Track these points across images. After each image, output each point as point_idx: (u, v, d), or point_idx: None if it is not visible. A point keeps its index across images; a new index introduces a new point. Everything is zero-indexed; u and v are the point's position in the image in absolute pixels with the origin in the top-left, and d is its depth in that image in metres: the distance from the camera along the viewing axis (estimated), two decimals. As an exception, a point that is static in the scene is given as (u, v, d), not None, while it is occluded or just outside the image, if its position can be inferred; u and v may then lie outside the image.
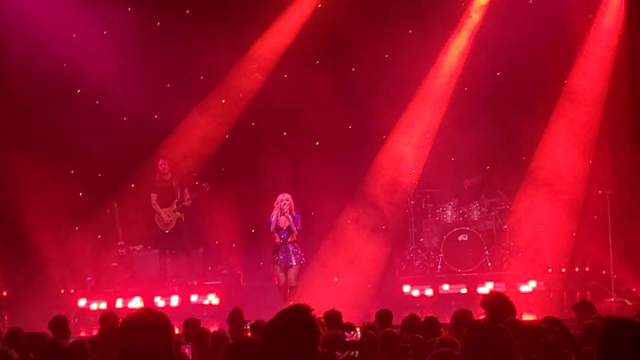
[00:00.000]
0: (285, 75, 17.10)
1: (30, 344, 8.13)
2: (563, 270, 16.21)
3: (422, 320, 8.43)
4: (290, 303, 12.94)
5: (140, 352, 3.84)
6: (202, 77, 17.15)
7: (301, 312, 4.10)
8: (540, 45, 16.53)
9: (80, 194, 16.88)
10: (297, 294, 13.49)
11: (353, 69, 17.32)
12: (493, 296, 6.94)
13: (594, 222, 15.71)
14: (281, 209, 13.56)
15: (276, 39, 17.16)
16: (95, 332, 10.63)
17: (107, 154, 17.04)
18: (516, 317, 7.28)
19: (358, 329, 7.65)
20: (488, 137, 16.11)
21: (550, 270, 15.70)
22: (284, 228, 13.59)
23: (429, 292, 15.18)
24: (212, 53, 16.34)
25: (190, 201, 15.82)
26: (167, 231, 15.81)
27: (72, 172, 17.09)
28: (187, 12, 17.05)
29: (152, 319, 3.93)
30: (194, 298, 15.32)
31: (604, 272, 15.54)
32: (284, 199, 13.62)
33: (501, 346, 4.40)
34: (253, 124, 17.41)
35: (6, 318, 15.39)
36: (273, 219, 13.59)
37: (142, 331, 3.87)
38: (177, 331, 7.47)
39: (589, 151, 16.42)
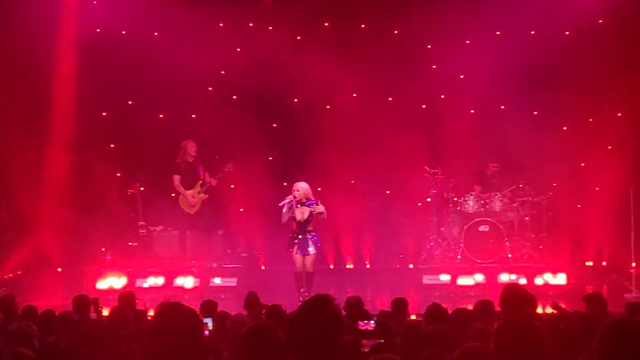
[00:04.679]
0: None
1: (45, 322, 8.20)
2: (586, 264, 16.12)
3: (450, 310, 8.37)
4: (302, 290, 12.88)
5: (171, 350, 3.95)
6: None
7: (323, 302, 4.18)
8: (568, 35, 16.40)
9: (119, 175, 16.92)
10: (315, 280, 13.34)
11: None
12: (509, 289, 6.86)
13: (616, 217, 15.55)
14: (294, 200, 13.02)
15: None
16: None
17: (133, 134, 17.16)
18: (534, 310, 7.18)
19: (372, 321, 7.61)
20: (512, 127, 15.95)
21: (572, 264, 15.61)
22: (302, 220, 13.04)
23: (447, 281, 15.14)
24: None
25: (216, 181, 15.80)
26: (192, 213, 15.85)
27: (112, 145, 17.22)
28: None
29: (182, 317, 4.04)
30: (213, 280, 15.36)
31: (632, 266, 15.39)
32: (294, 190, 13.08)
33: (534, 344, 4.36)
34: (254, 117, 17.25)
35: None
36: (285, 210, 13.02)
37: (172, 329, 3.99)
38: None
39: (612, 146, 16.26)
